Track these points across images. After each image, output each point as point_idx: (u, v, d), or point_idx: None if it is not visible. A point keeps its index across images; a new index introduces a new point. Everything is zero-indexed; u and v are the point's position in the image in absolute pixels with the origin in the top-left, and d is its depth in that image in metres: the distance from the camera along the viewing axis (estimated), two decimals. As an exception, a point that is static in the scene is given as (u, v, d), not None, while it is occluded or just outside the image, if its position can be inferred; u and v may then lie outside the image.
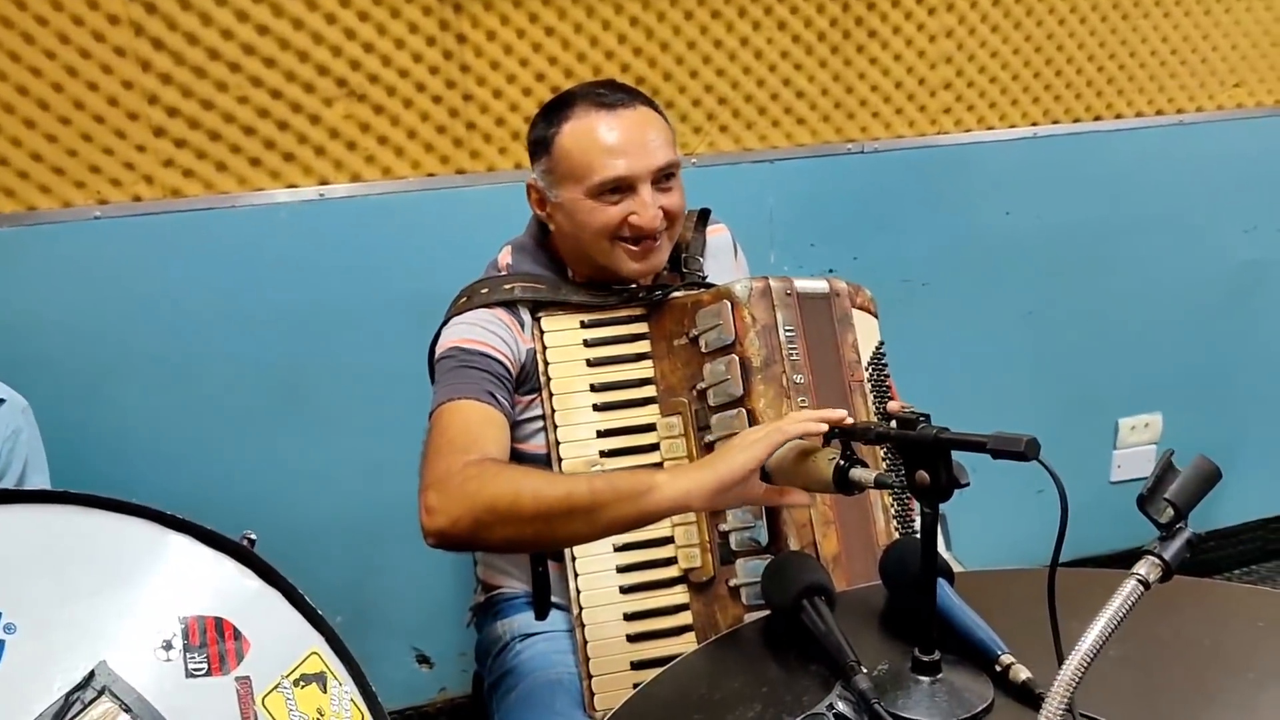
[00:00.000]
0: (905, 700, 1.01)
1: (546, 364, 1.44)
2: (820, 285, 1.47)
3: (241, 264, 1.93)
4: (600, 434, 1.43)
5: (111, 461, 1.91)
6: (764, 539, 1.34)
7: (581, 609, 1.38)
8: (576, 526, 1.21)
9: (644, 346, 1.48)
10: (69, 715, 0.92)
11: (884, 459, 1.43)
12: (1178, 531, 0.82)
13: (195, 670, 0.94)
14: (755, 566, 1.31)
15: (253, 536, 1.06)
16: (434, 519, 1.23)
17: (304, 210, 1.93)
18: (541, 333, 1.45)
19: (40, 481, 1.51)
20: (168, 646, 0.96)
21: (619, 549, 1.39)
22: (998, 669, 1.03)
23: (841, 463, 1.10)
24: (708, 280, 1.55)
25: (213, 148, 1.86)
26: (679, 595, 1.40)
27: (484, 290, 1.48)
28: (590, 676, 1.36)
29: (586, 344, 1.46)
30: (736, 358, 1.38)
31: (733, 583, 1.35)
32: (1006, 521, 2.37)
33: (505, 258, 1.56)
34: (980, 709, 0.99)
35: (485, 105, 1.99)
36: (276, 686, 0.97)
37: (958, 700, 1.00)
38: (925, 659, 1.03)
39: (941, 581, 1.12)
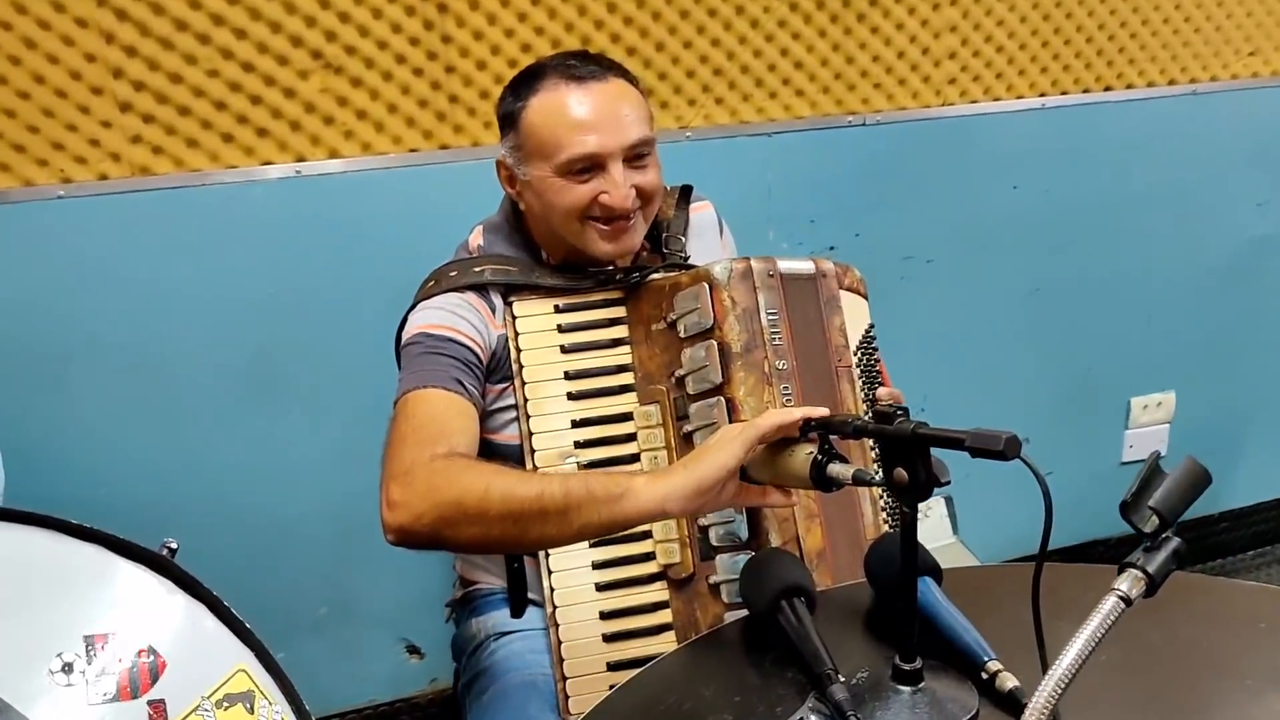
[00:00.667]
0: (883, 712, 0.96)
1: (519, 350, 1.39)
2: (805, 266, 1.41)
3: (214, 245, 1.86)
4: (575, 424, 1.38)
5: (75, 453, 1.84)
6: (744, 534, 1.29)
7: (556, 607, 1.33)
8: (547, 529, 1.16)
9: (621, 332, 1.42)
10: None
11: (872, 451, 1.37)
12: (1164, 542, 0.75)
13: (102, 695, 0.87)
14: (736, 562, 1.27)
15: (173, 545, 0.98)
16: (396, 514, 1.17)
17: (280, 188, 1.87)
18: (514, 318, 1.40)
19: None
20: (68, 670, 0.87)
21: (595, 545, 1.34)
22: (984, 676, 0.98)
23: (819, 458, 1.05)
24: (690, 261, 1.49)
25: (182, 123, 1.79)
26: (657, 592, 1.35)
27: (453, 273, 1.43)
28: (565, 679, 1.32)
29: (561, 329, 1.41)
30: (715, 343, 1.31)
31: (713, 580, 1.30)
32: (1014, 506, 2.28)
33: (476, 239, 1.50)
34: (963, 720, 0.94)
35: (469, 78, 1.92)
36: (195, 709, 0.89)
37: (939, 711, 0.95)
38: (906, 668, 0.98)
39: (929, 581, 1.08)
